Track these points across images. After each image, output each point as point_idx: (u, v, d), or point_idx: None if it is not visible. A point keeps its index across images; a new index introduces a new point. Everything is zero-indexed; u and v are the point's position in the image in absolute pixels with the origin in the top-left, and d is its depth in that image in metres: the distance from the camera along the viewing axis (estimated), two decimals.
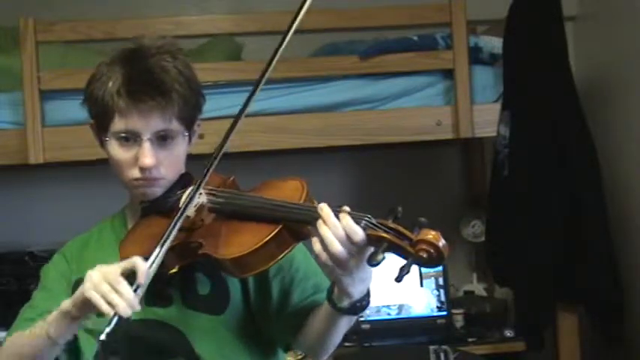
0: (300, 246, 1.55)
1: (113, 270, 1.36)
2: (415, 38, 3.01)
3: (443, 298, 3.22)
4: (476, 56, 3.01)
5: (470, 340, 3.08)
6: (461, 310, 3.22)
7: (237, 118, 1.49)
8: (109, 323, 1.30)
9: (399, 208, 1.32)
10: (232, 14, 3.30)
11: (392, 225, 1.30)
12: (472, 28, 3.16)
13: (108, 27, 2.95)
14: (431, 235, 1.27)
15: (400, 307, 3.20)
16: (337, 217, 1.32)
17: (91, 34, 2.95)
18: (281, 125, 2.93)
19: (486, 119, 2.99)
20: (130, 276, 1.36)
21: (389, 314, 3.19)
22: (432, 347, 2.73)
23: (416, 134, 3.00)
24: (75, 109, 2.88)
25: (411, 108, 3.00)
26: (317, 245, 1.33)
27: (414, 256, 1.27)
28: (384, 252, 1.28)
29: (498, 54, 3.02)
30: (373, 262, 1.27)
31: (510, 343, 3.05)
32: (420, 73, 3.01)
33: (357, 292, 1.38)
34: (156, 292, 1.50)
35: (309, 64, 2.96)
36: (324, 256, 1.32)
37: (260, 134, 2.86)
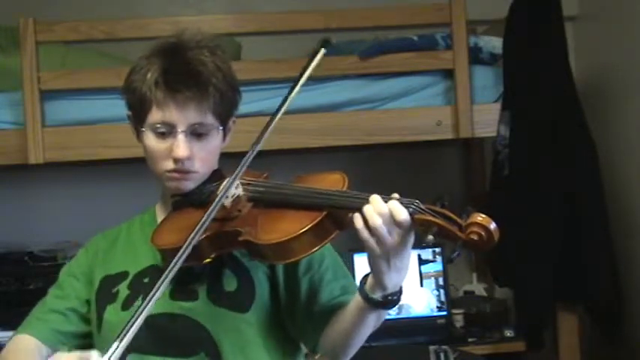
0: (330, 248, 1.58)
1: None
2: (415, 38, 3.01)
3: (443, 298, 3.23)
4: (476, 56, 3.01)
5: (470, 340, 3.08)
6: (461, 310, 3.23)
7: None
8: None
9: (445, 196, 1.33)
10: (231, 14, 3.29)
11: (440, 210, 1.30)
12: (472, 28, 3.15)
13: (108, 27, 2.95)
14: (481, 217, 1.27)
15: (400, 307, 3.20)
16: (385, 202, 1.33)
17: (91, 34, 2.95)
18: (281, 125, 2.89)
19: (486, 119, 2.99)
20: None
21: (389, 314, 3.18)
22: (432, 347, 2.72)
23: (416, 134, 3.00)
24: (75, 109, 2.93)
25: (411, 108, 3.00)
26: (359, 220, 1.33)
27: (464, 239, 1.27)
28: (433, 234, 1.28)
29: (498, 54, 3.02)
30: (422, 240, 1.29)
31: (510, 343, 3.05)
32: (420, 73, 3.01)
33: (391, 283, 1.39)
34: (182, 286, 1.51)
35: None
36: (365, 232, 1.33)
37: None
